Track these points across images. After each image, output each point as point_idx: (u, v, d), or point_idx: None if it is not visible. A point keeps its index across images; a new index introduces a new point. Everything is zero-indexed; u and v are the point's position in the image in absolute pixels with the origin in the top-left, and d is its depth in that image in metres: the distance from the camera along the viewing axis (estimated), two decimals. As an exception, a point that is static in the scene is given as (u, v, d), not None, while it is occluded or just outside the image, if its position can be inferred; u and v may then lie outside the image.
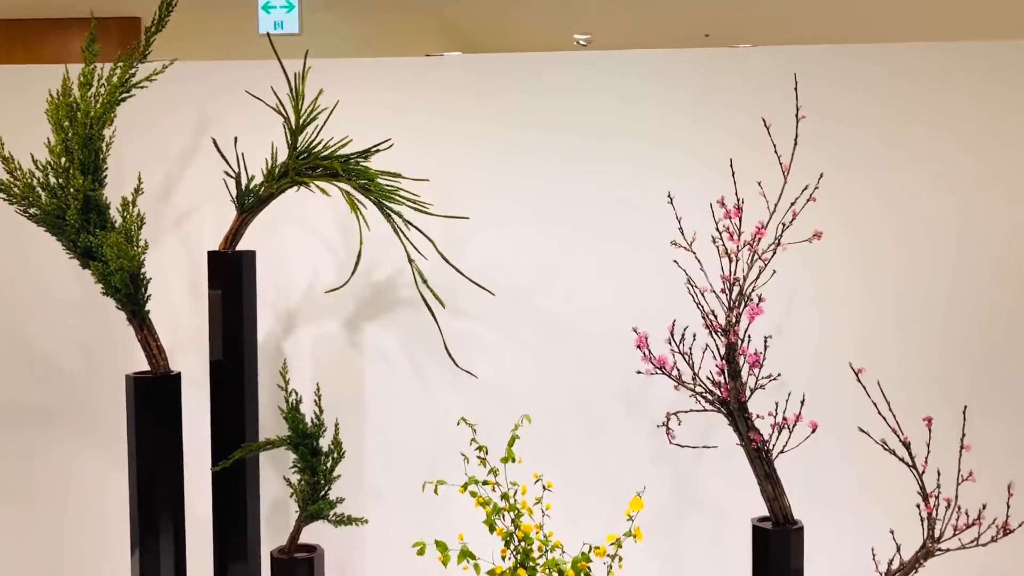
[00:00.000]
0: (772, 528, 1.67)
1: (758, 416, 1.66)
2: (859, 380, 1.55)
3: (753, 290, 1.62)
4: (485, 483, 1.25)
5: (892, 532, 1.56)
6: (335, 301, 2.11)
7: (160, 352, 1.72)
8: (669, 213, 1.70)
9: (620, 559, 1.28)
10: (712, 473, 2.03)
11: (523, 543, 1.24)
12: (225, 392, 1.79)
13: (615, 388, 2.01)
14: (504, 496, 1.26)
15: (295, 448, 1.63)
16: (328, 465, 1.65)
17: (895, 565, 1.57)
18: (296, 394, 1.66)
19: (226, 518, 1.80)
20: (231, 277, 1.77)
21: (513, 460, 1.28)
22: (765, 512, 1.68)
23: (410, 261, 1.71)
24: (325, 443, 1.68)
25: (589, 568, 1.22)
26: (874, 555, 1.57)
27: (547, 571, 1.25)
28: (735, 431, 1.65)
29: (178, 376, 1.75)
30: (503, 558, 1.23)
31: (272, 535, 1.96)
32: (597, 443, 2.05)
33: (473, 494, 1.22)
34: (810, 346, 1.98)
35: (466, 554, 1.18)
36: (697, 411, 1.66)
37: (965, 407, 1.57)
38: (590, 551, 1.25)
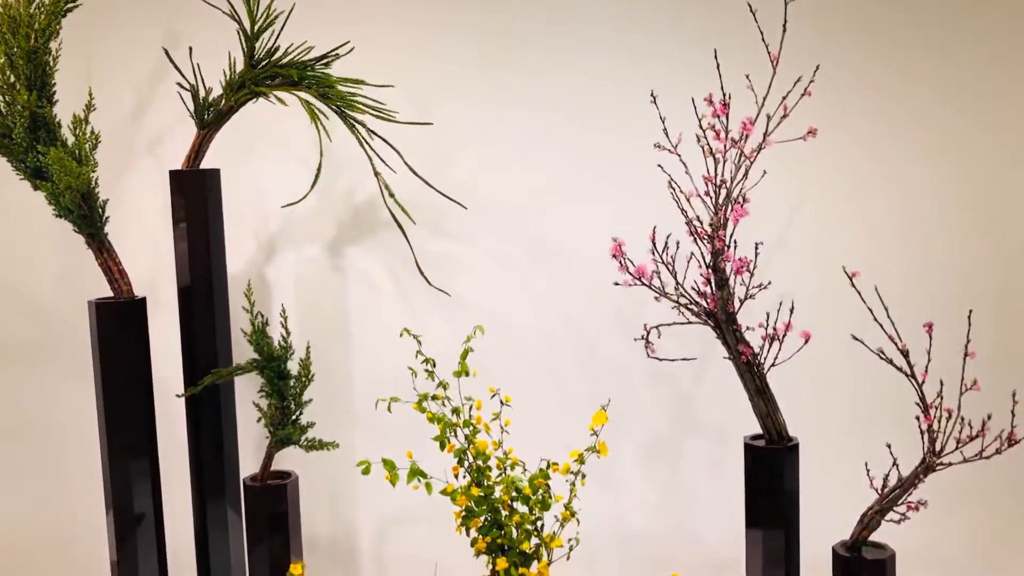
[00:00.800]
0: (765, 446, 1.58)
1: (748, 328, 1.56)
2: (853, 285, 1.44)
3: (740, 192, 1.50)
4: (434, 398, 1.17)
5: (889, 446, 1.46)
6: (316, 225, 2.03)
7: (122, 276, 1.66)
8: (654, 115, 1.58)
9: (583, 476, 1.20)
10: (711, 392, 1.94)
11: (478, 461, 1.16)
12: (195, 318, 1.73)
13: (608, 307, 1.92)
14: (455, 411, 1.18)
15: (261, 371, 1.56)
16: (297, 389, 1.58)
17: (893, 481, 1.47)
18: (262, 316, 1.59)
19: (202, 446, 1.75)
20: (195, 197, 1.69)
21: (467, 374, 1.19)
22: (760, 430, 1.59)
23: (376, 174, 1.62)
24: (295, 367, 1.61)
25: (548, 486, 1.14)
26: (868, 470, 1.47)
27: (504, 490, 1.17)
28: (724, 344, 1.55)
29: (142, 301, 1.68)
30: (455, 476, 1.15)
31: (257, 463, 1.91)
32: (590, 365, 1.97)
33: (422, 410, 1.14)
34: (805, 253, 1.87)
35: (416, 473, 1.10)
36: (681, 324, 1.55)
37: (970, 311, 1.45)
38: (548, 467, 1.17)
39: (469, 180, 1.95)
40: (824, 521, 1.70)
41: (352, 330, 2.02)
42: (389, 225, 1.96)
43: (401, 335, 1.36)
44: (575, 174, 1.94)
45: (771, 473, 1.57)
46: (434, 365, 1.20)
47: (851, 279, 1.44)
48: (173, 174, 1.70)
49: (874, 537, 1.52)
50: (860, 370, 1.83)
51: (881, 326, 1.43)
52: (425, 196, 1.88)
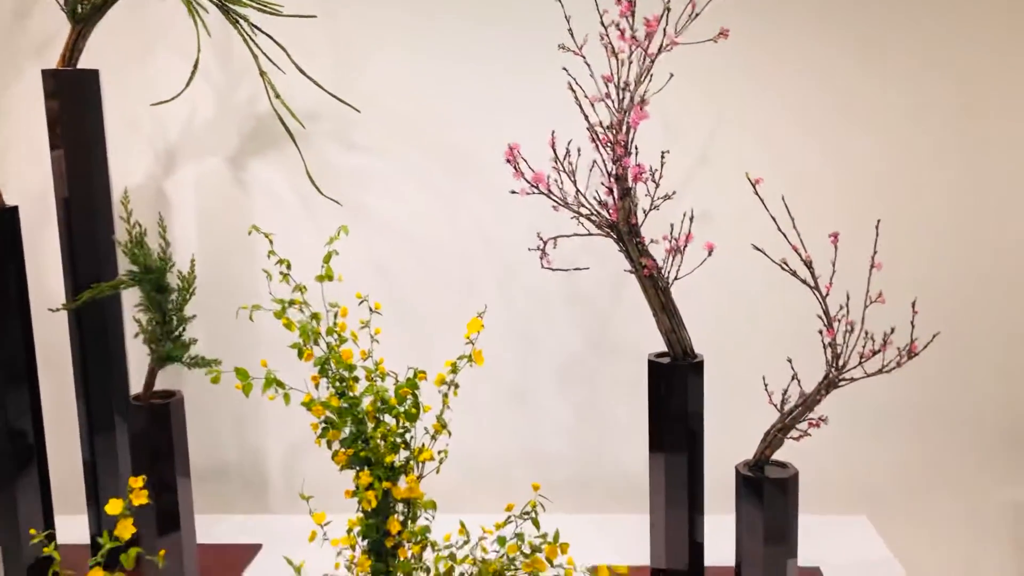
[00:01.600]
0: (669, 363, 1.52)
1: (653, 242, 1.49)
2: (756, 192, 1.36)
3: (644, 95, 1.42)
4: (292, 303, 1.10)
5: (790, 361, 1.41)
6: (217, 136, 1.92)
7: (-9, 183, 1.55)
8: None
9: (456, 387, 1.13)
10: (629, 311, 1.88)
11: (342, 370, 1.09)
12: (75, 229, 1.63)
13: (524, 223, 1.83)
14: (315, 316, 1.10)
15: (139, 284, 1.47)
16: (176, 302, 1.50)
17: (795, 397, 1.42)
18: (140, 226, 1.49)
19: (88, 367, 1.66)
20: (70, 99, 1.58)
21: (331, 279, 1.11)
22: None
23: (262, 74, 1.51)
24: (175, 280, 1.52)
25: (416, 395, 1.07)
26: (766, 385, 1.42)
27: (372, 402, 1.10)
28: (627, 258, 1.48)
29: (14, 210, 1.58)
30: (315, 386, 1.08)
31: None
32: (507, 286, 1.89)
33: (281, 316, 1.06)
34: (721, 164, 1.79)
35: (272, 382, 1.03)
36: (581, 235, 1.48)
37: (879, 220, 1.38)
38: (415, 376, 1.10)
39: (377, 88, 1.84)
40: (730, 440, 1.65)
41: (256, 246, 1.93)
42: (296, 137, 1.86)
43: (250, 233, 1.27)
44: (486, 80, 1.84)
45: (674, 391, 1.52)
46: (289, 267, 1.12)
47: (754, 186, 1.36)
48: (45, 74, 1.58)
49: (778, 455, 1.47)
50: (768, 285, 1.78)
51: (785, 236, 1.37)
52: (329, 106, 1.78)
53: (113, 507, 0.99)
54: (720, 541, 1.61)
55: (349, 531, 1.14)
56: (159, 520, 1.54)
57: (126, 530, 1.00)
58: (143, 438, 1.53)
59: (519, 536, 0.98)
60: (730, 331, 1.83)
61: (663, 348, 1.54)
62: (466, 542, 1.00)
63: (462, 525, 1.01)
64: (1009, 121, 1.79)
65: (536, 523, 1.00)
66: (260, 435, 2.00)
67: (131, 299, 1.60)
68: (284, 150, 1.89)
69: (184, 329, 1.53)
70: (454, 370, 1.12)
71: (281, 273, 1.11)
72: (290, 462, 2.00)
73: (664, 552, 1.57)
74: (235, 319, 1.87)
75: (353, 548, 1.14)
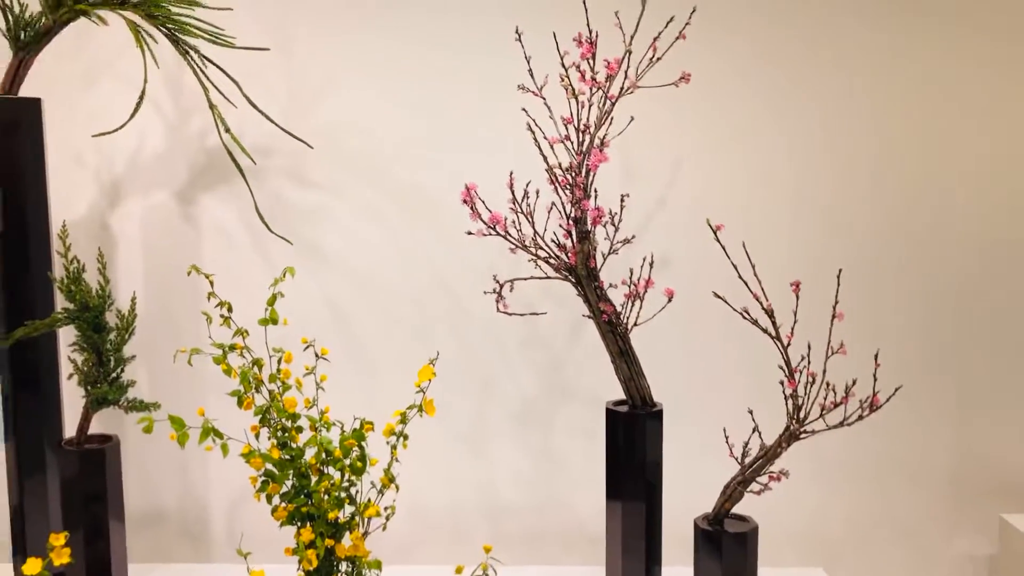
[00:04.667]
0: (627, 411, 1.48)
1: (612, 286, 1.46)
2: (717, 239, 1.34)
3: (604, 138, 1.39)
4: (232, 347, 1.04)
5: (751, 412, 1.38)
6: (165, 169, 1.86)
7: (-80, 214, 1.47)
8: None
9: (405, 438, 1.08)
10: (588, 358, 1.84)
11: (284, 420, 1.03)
12: (10, 265, 1.55)
13: (481, 265, 1.79)
14: (256, 363, 1.04)
15: (74, 322, 1.40)
16: (114, 342, 1.43)
17: (756, 449, 1.39)
18: (78, 262, 1.43)
19: (19, 409, 1.58)
20: (10, 129, 1.51)
21: (276, 322, 1.06)
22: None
23: (212, 107, 1.46)
24: (113, 319, 1.45)
25: (362, 447, 1.02)
26: (727, 437, 1.38)
27: (316, 455, 1.05)
28: (584, 302, 1.45)
29: (-54, 242, 1.50)
30: (255, 436, 1.02)
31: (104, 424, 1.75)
32: (461, 328, 1.84)
33: (220, 362, 1.01)
34: (680, 209, 1.77)
35: (210, 432, 0.97)
36: (539, 278, 1.44)
37: (840, 270, 1.37)
38: (362, 427, 1.04)
39: (331, 124, 1.80)
40: (688, 491, 1.62)
41: (202, 285, 1.86)
42: (247, 173, 1.81)
43: (189, 273, 1.22)
44: (441, 118, 1.80)
45: (633, 441, 1.48)
46: (230, 310, 1.06)
47: (715, 232, 1.34)
48: (-16, 102, 1.51)
49: (738, 509, 1.44)
50: (729, 333, 1.76)
51: (746, 284, 1.34)
52: (283, 142, 1.74)
53: (31, 567, 0.92)
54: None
55: (290, 591, 1.08)
56: (89, 570, 1.46)
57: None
58: (75, 484, 1.45)
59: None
60: (690, 379, 1.80)
61: (622, 395, 1.50)
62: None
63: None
64: (973, 167, 1.79)
65: (488, 584, 0.95)
66: (201, 482, 1.92)
67: (67, 338, 1.53)
68: (235, 186, 1.83)
69: (122, 370, 1.46)
70: (403, 420, 1.07)
71: (222, 316, 1.06)
72: (232, 510, 1.92)
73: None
74: (176, 362, 1.80)
75: (293, 608, 1.08)
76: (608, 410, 1.49)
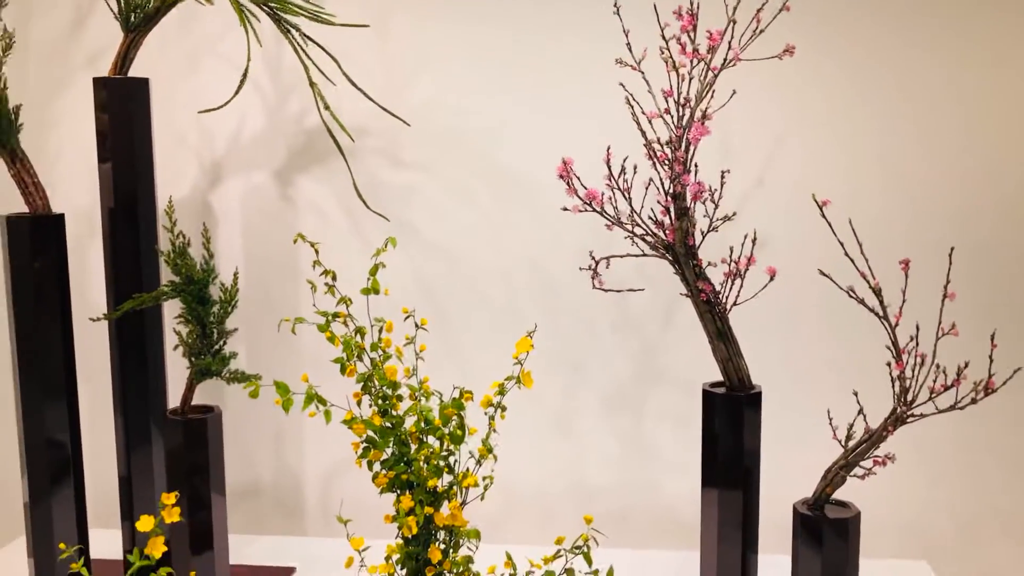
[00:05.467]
0: (724, 393, 1.45)
1: (711, 264, 1.43)
2: (823, 215, 1.30)
3: (705, 111, 1.36)
4: (336, 316, 1.05)
5: (856, 394, 1.33)
6: (264, 149, 1.90)
7: (37, 189, 1.53)
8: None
9: (503, 409, 1.08)
10: (681, 341, 1.81)
11: (385, 388, 1.04)
12: (119, 239, 1.61)
13: (574, 248, 1.78)
14: (359, 331, 1.05)
15: (180, 295, 1.44)
16: (217, 315, 1.46)
17: (860, 432, 1.34)
18: (183, 236, 1.46)
19: (126, 377, 1.64)
20: (119, 107, 1.56)
21: (377, 292, 1.07)
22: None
23: (312, 85, 1.48)
24: (217, 292, 1.49)
25: (461, 417, 1.02)
26: (831, 419, 1.34)
27: (416, 423, 1.05)
28: (682, 280, 1.42)
29: (60, 218, 1.56)
30: (357, 403, 1.03)
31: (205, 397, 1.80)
32: (552, 309, 1.84)
33: (321, 328, 1.02)
34: (782, 184, 1.72)
35: (313, 398, 0.98)
36: (635, 256, 1.42)
37: (952, 248, 1.31)
38: (461, 396, 1.04)
39: (424, 104, 1.81)
40: (786, 476, 1.58)
41: (300, 262, 1.89)
42: (345, 151, 1.83)
43: (295, 241, 1.23)
44: (536, 95, 1.79)
45: (730, 424, 1.44)
46: (334, 278, 1.07)
47: (821, 208, 1.30)
48: (97, 82, 1.56)
49: (839, 494, 1.39)
50: (832, 312, 1.71)
51: (853, 262, 1.30)
52: (378, 121, 1.75)
53: (144, 524, 0.95)
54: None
55: (388, 558, 1.09)
56: (192, 538, 1.50)
57: (157, 548, 0.96)
58: (179, 454, 1.49)
59: (569, 572, 0.91)
60: (791, 361, 1.75)
61: (718, 377, 1.47)
62: (513, 575, 0.94)
63: (508, 557, 0.95)
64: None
65: (588, 558, 0.93)
66: (298, 455, 1.96)
67: (172, 311, 1.57)
68: (331, 166, 1.86)
69: (225, 343, 1.50)
70: (501, 391, 1.07)
71: (326, 284, 1.07)
72: (328, 484, 1.95)
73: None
74: (277, 334, 1.84)
75: (391, 576, 1.08)
76: (705, 392, 1.46)
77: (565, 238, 1.79)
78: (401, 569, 1.08)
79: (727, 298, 1.42)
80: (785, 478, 1.61)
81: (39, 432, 1.56)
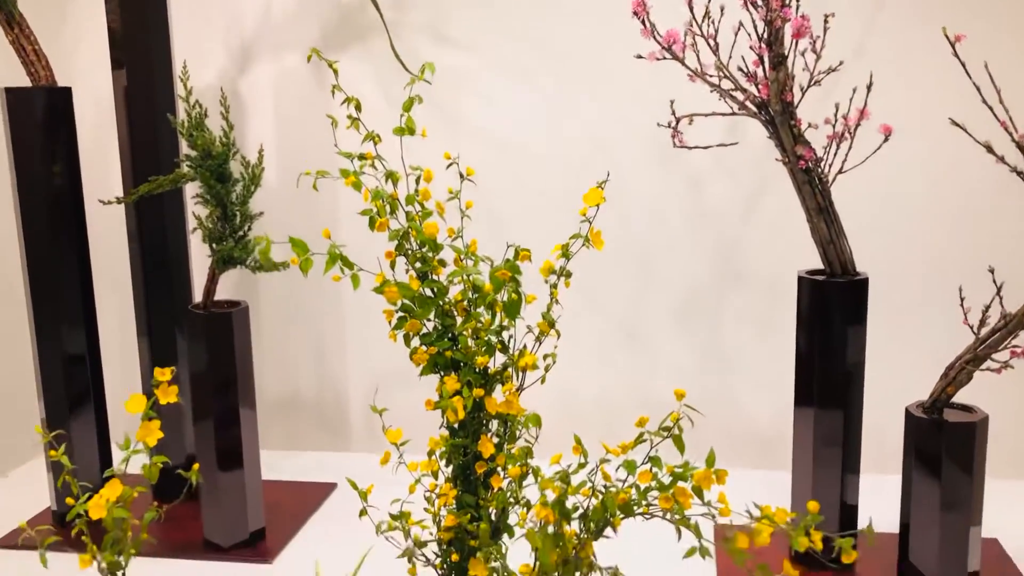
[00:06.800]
0: (824, 280, 1.24)
1: (811, 126, 1.21)
2: (956, 53, 1.06)
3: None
4: (363, 157, 0.86)
5: (992, 271, 1.11)
6: (297, 29, 1.71)
7: (39, 58, 1.37)
8: None
9: (567, 276, 0.88)
10: (765, 233, 1.60)
11: (425, 249, 0.86)
12: (134, 117, 1.44)
13: (644, 133, 1.57)
14: (390, 176, 0.86)
15: (196, 172, 1.27)
16: (240, 196, 1.29)
17: (994, 319, 1.12)
18: (200, 106, 1.29)
19: (147, 269, 1.49)
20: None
21: (412, 132, 0.87)
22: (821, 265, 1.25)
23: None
24: (238, 170, 1.31)
25: (517, 281, 0.83)
26: (962, 300, 1.12)
27: (461, 292, 0.87)
28: (777, 145, 1.20)
29: (67, 91, 1.39)
30: (390, 265, 0.85)
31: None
32: (619, 200, 1.63)
33: (344, 173, 0.83)
34: (888, 26, 1.47)
35: (337, 258, 0.81)
36: (723, 115, 1.20)
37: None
38: (516, 256, 0.85)
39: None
40: (894, 379, 1.37)
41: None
42: (380, 29, 1.63)
43: (309, 59, 1.04)
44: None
45: (830, 316, 1.23)
46: (359, 108, 0.88)
47: (953, 45, 1.06)
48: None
49: (960, 397, 1.18)
50: (955, 179, 1.47)
51: (991, 109, 1.06)
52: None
53: (135, 405, 0.78)
54: (877, 503, 1.34)
55: (430, 454, 0.91)
56: (219, 445, 1.35)
57: (151, 435, 0.79)
58: (201, 349, 1.33)
59: (654, 461, 0.73)
60: (900, 241, 1.51)
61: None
62: (582, 465, 0.75)
63: (577, 441, 0.77)
64: None
65: (680, 443, 0.75)
66: (341, 367, 1.80)
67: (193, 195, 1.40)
68: (369, 43, 1.66)
69: (250, 228, 1.33)
70: (565, 254, 0.87)
71: (349, 117, 0.88)
72: (372, 399, 1.79)
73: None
74: (314, 230, 1.66)
75: (435, 475, 0.91)
76: (801, 279, 1.25)
77: (634, 121, 1.58)
78: (446, 465, 0.90)
79: (830, 166, 1.20)
80: (893, 381, 1.39)
81: (52, 332, 1.42)
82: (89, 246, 1.44)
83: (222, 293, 1.47)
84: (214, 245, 1.30)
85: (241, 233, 1.32)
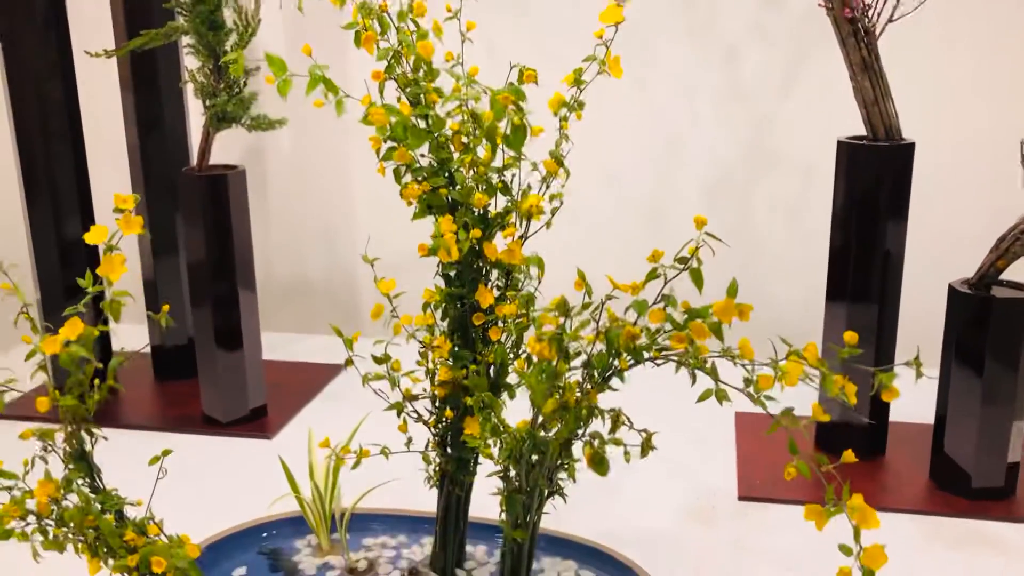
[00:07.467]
0: (867, 144, 1.13)
1: (859, -29, 1.08)
2: None
3: None
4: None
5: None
6: None
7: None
8: None
9: (580, 107, 0.79)
10: (798, 110, 1.48)
11: (418, 73, 0.76)
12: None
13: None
14: (380, -15, 0.76)
15: (187, 20, 1.17)
16: (234, 47, 1.20)
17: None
18: (191, -55, 1.18)
19: (145, 135, 1.41)
20: None
21: (409, -59, 0.77)
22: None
23: None
24: (232, 18, 1.22)
25: (520, 109, 0.73)
26: (1023, 151, 1.01)
27: (459, 123, 0.78)
28: (819, -9, 1.08)
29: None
30: (379, 89, 0.76)
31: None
32: (642, 75, 1.52)
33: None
34: None
35: (320, 81, 0.72)
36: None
37: None
38: (521, 78, 0.76)
39: None
40: (939, 253, 1.27)
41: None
42: None
43: None
44: None
45: (870, 184, 1.13)
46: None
47: None
48: None
49: (1011, 273, 1.09)
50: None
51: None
52: None
53: (95, 235, 0.71)
54: (912, 396, 1.25)
55: (425, 306, 0.84)
56: (216, 323, 1.29)
57: (113, 269, 0.72)
58: (197, 213, 1.26)
59: (669, 300, 0.64)
60: (951, 99, 1.39)
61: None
62: (585, 305, 0.67)
63: (581, 276, 0.68)
64: None
65: (699, 277, 0.66)
66: (352, 251, 1.73)
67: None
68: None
69: (245, 83, 1.24)
70: (577, 83, 0.78)
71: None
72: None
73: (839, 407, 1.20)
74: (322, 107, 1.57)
75: (431, 329, 0.84)
76: (840, 143, 1.15)
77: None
78: (442, 319, 0.83)
79: (878, 15, 1.08)
80: (936, 255, 1.29)
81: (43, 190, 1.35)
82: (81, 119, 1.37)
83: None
84: (207, 101, 1.21)
85: (236, 89, 1.23)
